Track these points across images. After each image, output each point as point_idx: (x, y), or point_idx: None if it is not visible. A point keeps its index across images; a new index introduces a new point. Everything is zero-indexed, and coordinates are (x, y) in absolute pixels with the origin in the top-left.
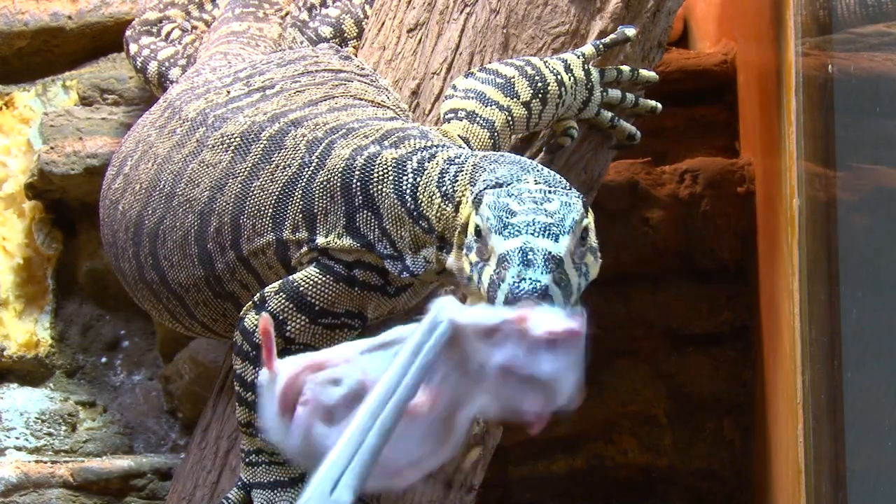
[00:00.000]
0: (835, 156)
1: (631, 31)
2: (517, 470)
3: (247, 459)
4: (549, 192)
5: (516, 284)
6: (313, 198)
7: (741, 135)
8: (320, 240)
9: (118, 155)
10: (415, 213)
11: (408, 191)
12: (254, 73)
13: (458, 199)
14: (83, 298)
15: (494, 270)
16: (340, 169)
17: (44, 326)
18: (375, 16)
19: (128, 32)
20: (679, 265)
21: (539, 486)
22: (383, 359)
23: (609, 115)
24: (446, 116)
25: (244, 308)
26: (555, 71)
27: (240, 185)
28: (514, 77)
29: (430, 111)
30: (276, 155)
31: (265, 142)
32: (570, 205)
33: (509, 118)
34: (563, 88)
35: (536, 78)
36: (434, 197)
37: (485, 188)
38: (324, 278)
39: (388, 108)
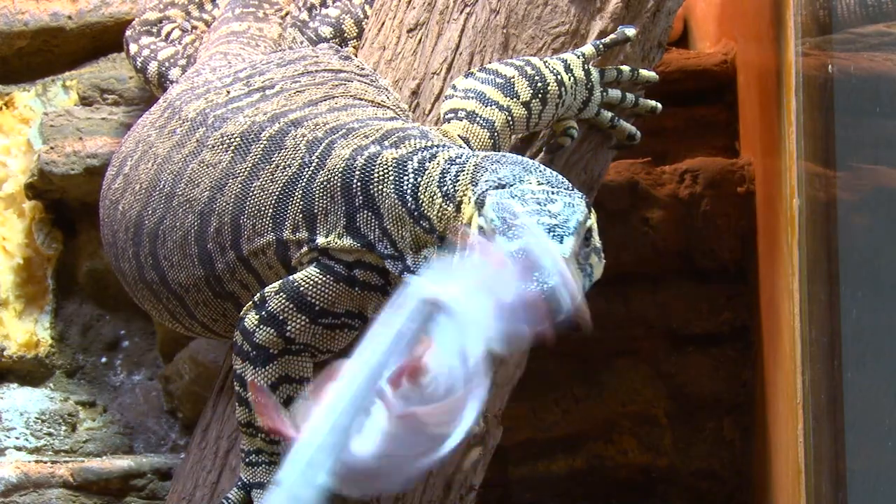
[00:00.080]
0: (835, 156)
1: (631, 31)
2: (517, 470)
3: (247, 459)
4: (553, 192)
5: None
6: (313, 198)
7: (741, 135)
8: (320, 240)
9: (118, 155)
10: (416, 213)
11: (408, 191)
12: (254, 74)
13: (459, 199)
14: (83, 298)
15: None
16: (341, 169)
17: (44, 326)
18: (375, 16)
19: (128, 32)
20: (679, 265)
21: (539, 486)
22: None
23: (609, 115)
24: (446, 116)
25: (244, 308)
26: (555, 71)
27: (240, 186)
28: (513, 77)
29: (430, 111)
30: (276, 155)
31: (265, 142)
32: (573, 206)
33: (509, 118)
34: (563, 88)
35: (536, 78)
36: (435, 197)
37: (487, 189)
38: (324, 278)
39: (388, 108)
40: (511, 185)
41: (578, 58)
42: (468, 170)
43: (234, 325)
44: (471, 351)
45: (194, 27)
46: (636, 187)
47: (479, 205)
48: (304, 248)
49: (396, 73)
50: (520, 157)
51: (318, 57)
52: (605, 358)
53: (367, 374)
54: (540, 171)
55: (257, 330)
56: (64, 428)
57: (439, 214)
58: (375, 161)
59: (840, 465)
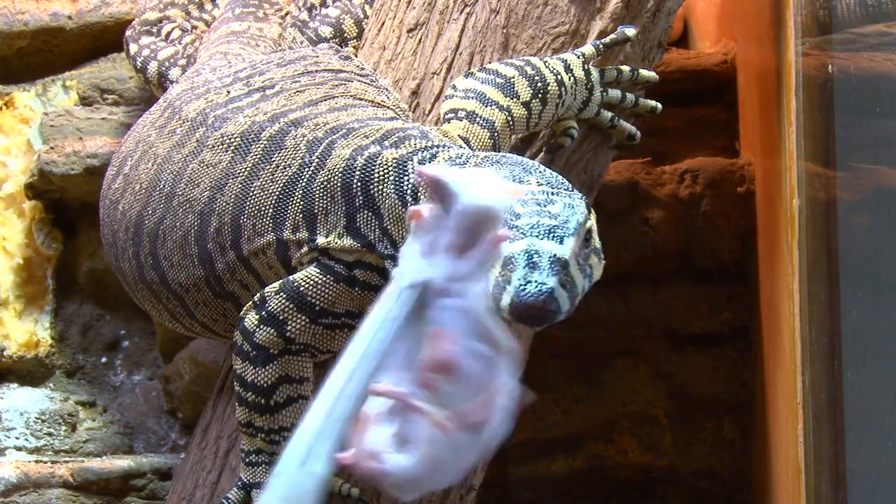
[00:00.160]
0: (835, 156)
1: (631, 31)
2: (517, 470)
3: (247, 459)
4: (553, 193)
5: (522, 287)
6: (314, 198)
7: (741, 135)
8: (321, 240)
9: (118, 155)
10: None
11: (408, 191)
12: (254, 73)
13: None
14: (83, 298)
15: (499, 273)
16: (341, 169)
17: (44, 326)
18: (375, 16)
19: (128, 32)
20: (679, 265)
21: (539, 486)
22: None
23: (609, 115)
24: (446, 116)
25: (244, 308)
26: (555, 71)
27: (240, 186)
28: (513, 77)
29: (430, 111)
30: (276, 155)
31: (265, 142)
32: (573, 206)
33: (509, 118)
34: (563, 88)
35: (536, 78)
36: None
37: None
38: (324, 278)
39: (388, 108)
40: None
41: (578, 58)
42: None
43: (234, 325)
44: (486, 328)
45: (194, 27)
46: (636, 187)
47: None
48: (305, 248)
49: (396, 73)
50: (520, 158)
51: (318, 57)
52: (605, 358)
53: (364, 361)
54: (540, 172)
55: (257, 330)
56: (64, 428)
57: None
58: (376, 161)
59: (840, 465)
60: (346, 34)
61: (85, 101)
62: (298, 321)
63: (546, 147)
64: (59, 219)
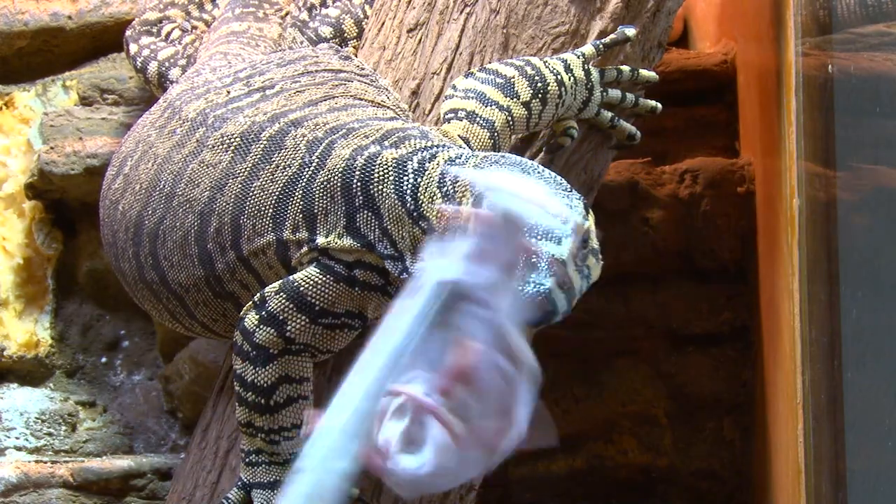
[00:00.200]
0: (835, 156)
1: (631, 31)
2: (517, 470)
3: (247, 459)
4: (551, 194)
5: (520, 288)
6: (313, 198)
7: (741, 135)
8: (320, 240)
9: (118, 155)
10: (415, 214)
11: (408, 191)
12: (254, 74)
13: (458, 199)
14: (83, 298)
15: None
16: (341, 169)
17: (44, 326)
18: (375, 16)
19: (128, 32)
20: (679, 265)
21: (539, 486)
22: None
23: (609, 115)
24: (446, 116)
25: (244, 308)
26: (555, 71)
27: (240, 186)
28: (513, 77)
29: (430, 111)
30: (276, 155)
31: (265, 142)
32: (572, 207)
33: (509, 118)
34: (563, 88)
35: (536, 78)
36: (435, 197)
37: (486, 190)
38: (324, 278)
39: (388, 108)
40: None
41: (578, 58)
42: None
43: (234, 325)
44: (509, 340)
45: (194, 27)
46: (636, 187)
47: (478, 205)
48: (304, 248)
49: (396, 73)
50: (519, 159)
51: (318, 57)
52: (605, 358)
53: (388, 358)
54: (539, 173)
55: (257, 330)
56: (64, 428)
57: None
58: (375, 161)
59: (840, 465)
60: (346, 34)
61: (85, 101)
62: (298, 321)
63: (546, 147)
64: (59, 219)
